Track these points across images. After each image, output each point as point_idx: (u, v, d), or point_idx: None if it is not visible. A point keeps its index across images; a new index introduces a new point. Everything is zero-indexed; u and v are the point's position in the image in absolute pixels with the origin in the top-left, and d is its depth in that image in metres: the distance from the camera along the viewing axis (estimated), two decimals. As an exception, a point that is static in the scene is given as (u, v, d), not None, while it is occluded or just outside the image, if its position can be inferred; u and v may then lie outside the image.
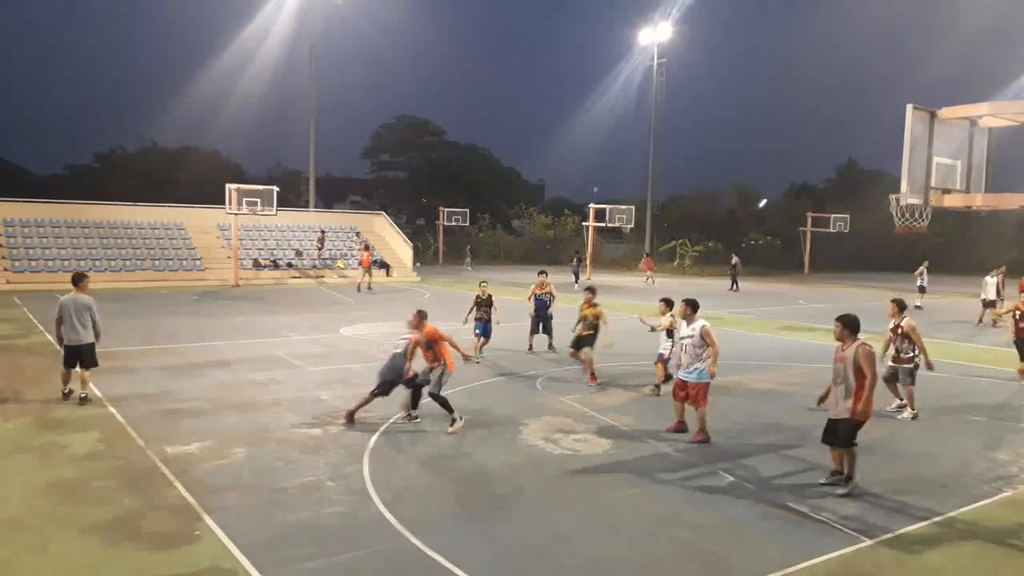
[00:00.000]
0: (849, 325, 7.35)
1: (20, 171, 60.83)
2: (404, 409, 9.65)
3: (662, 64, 51.78)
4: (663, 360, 11.34)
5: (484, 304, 14.42)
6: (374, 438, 8.74)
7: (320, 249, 36.04)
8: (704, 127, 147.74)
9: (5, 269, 28.51)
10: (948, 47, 70.18)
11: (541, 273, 15.66)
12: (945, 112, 7.57)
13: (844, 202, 52.88)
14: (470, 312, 14.57)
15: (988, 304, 21.32)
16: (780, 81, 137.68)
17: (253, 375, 12.29)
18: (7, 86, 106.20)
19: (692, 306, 8.99)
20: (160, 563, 5.50)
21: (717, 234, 57.68)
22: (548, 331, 15.14)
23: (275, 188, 31.74)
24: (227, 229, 33.61)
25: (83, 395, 10.16)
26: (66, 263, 29.70)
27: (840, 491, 7.12)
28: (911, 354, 10.19)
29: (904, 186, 7.35)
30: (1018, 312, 13.04)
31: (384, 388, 9.49)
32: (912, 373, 10.20)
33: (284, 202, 34.66)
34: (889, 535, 6.23)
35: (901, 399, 10.36)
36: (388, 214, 44.41)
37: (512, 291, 30.62)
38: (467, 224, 51.41)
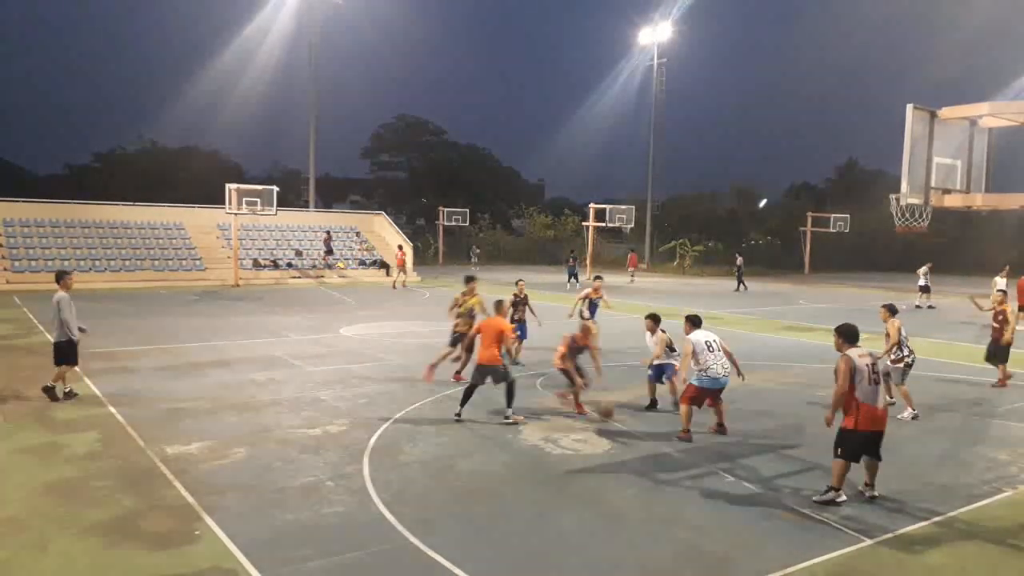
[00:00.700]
0: (843, 334, 7.10)
1: (20, 171, 60.87)
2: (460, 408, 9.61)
3: (662, 64, 51.83)
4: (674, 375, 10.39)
5: (521, 304, 14.11)
6: (374, 438, 8.74)
7: (328, 252, 35.76)
8: (704, 127, 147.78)
9: (5, 269, 28.50)
10: (948, 47, 70.24)
11: (597, 278, 15.42)
12: (945, 112, 7.56)
13: (844, 202, 52.95)
14: (515, 313, 14.02)
15: None
16: (780, 81, 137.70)
17: (253, 375, 12.29)
18: (7, 86, 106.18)
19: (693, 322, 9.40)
20: (160, 563, 5.50)
21: (717, 234, 57.72)
22: None
23: (275, 188, 31.74)
24: (227, 229, 33.60)
25: (65, 390, 10.40)
26: (66, 263, 29.65)
27: (815, 497, 6.96)
28: (901, 354, 10.23)
29: (904, 186, 7.35)
30: (1000, 315, 12.45)
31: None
32: (903, 373, 10.23)
33: (284, 202, 34.67)
34: (889, 535, 6.22)
35: (890, 398, 10.36)
36: (388, 214, 44.40)
37: (512, 291, 30.61)
38: (467, 224, 51.40)
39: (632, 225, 44.11)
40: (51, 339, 10.60)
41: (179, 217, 35.22)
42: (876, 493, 7.07)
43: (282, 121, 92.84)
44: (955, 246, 46.90)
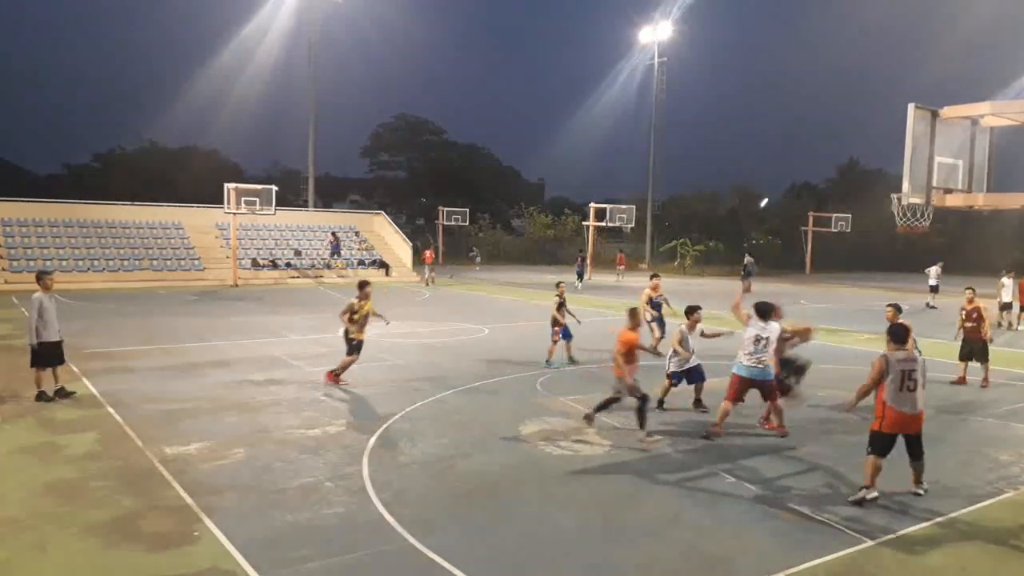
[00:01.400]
0: (891, 334, 7.25)
1: (19, 171, 60.82)
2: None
3: (662, 63, 51.82)
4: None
5: (563, 305, 13.96)
6: (373, 439, 8.72)
7: (335, 253, 35.56)
8: (705, 127, 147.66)
9: (4, 269, 28.49)
10: (948, 47, 70.25)
11: (654, 276, 15.27)
12: (947, 111, 7.54)
13: (845, 202, 52.95)
14: (562, 313, 13.78)
15: (1004, 307, 20.89)
16: (781, 81, 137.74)
17: (252, 375, 12.27)
18: (7, 86, 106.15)
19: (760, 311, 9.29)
20: (159, 563, 5.48)
21: (718, 234, 57.71)
22: (662, 333, 14.75)
23: (274, 187, 31.74)
24: (226, 229, 33.58)
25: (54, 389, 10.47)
26: (65, 263, 29.68)
27: (850, 497, 7.01)
28: None
29: (906, 186, 7.33)
30: (975, 312, 12.37)
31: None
32: None
33: (283, 202, 34.67)
34: (890, 536, 6.21)
35: None
36: (387, 214, 44.40)
37: (513, 291, 30.65)
38: (467, 224, 51.38)
39: (632, 225, 44.11)
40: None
41: (178, 217, 35.20)
42: (921, 491, 7.16)
43: (281, 121, 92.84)
44: (956, 246, 46.91)
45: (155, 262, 31.86)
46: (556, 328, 13.76)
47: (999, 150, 8.09)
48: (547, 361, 13.70)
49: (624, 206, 42.55)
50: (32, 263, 28.98)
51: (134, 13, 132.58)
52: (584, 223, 45.47)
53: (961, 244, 47.40)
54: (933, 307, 25.41)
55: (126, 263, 31.24)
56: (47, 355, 10.37)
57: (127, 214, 34.36)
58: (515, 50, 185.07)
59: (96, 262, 30.58)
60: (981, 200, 8.00)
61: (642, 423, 8.74)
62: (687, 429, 9.42)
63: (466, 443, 8.68)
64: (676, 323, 15.38)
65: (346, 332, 11.63)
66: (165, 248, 33.11)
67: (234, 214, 30.39)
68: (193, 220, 35.26)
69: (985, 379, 12.38)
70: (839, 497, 7.08)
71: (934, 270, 26.90)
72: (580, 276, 33.93)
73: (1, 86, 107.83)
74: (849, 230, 47.42)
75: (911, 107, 7.31)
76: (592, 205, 42.89)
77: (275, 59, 51.43)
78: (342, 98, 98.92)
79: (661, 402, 10.49)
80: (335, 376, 11.62)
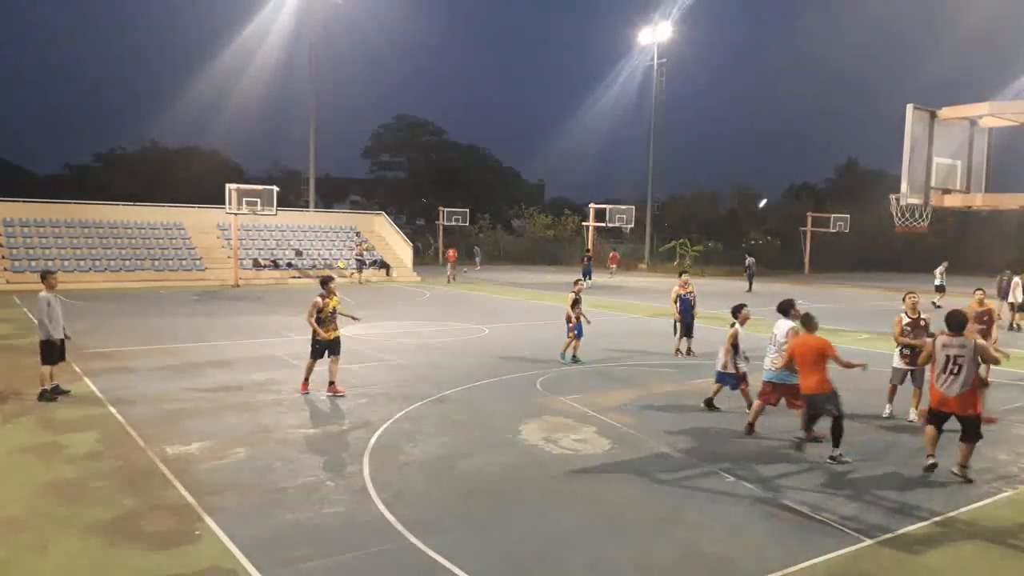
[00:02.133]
0: (946, 321, 7.68)
1: (20, 171, 60.83)
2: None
3: (662, 64, 51.75)
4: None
5: (577, 303, 14.02)
6: (374, 438, 8.74)
7: (364, 261, 34.68)
8: (704, 127, 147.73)
9: (5, 269, 28.51)
10: (948, 47, 70.22)
11: (683, 273, 15.28)
12: (945, 112, 7.57)
13: (844, 202, 52.91)
14: (576, 311, 13.88)
15: (1019, 308, 20.75)
16: (780, 81, 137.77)
17: (253, 375, 12.29)
18: (7, 86, 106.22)
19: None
20: (160, 563, 5.50)
21: (717, 234, 57.70)
22: (690, 334, 14.88)
23: (275, 188, 31.76)
24: (227, 229, 33.61)
25: (47, 388, 10.53)
26: (66, 263, 29.71)
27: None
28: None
29: (904, 186, 7.36)
30: (985, 315, 12.09)
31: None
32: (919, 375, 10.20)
33: (284, 202, 34.66)
34: (889, 535, 6.22)
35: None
36: (388, 214, 44.42)
37: (512, 291, 30.66)
38: (467, 224, 51.41)
39: (632, 225, 44.16)
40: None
41: (179, 217, 35.23)
42: (960, 473, 7.63)
43: (282, 121, 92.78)
44: (955, 246, 46.89)
45: (156, 262, 31.88)
46: (570, 324, 13.84)
47: (997, 151, 8.12)
48: (561, 355, 13.91)
49: (624, 206, 42.58)
50: (34, 263, 29.02)
51: (135, 14, 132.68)
52: (584, 223, 45.49)
53: (959, 244, 47.36)
54: (939, 307, 25.41)
55: (127, 263, 31.27)
56: (55, 352, 10.57)
57: (128, 214, 34.38)
58: (515, 51, 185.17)
59: (97, 262, 30.61)
60: (979, 200, 8.02)
61: (837, 440, 8.13)
62: (687, 429, 9.43)
63: (466, 443, 8.70)
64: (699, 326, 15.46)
65: (314, 333, 10.70)
66: (166, 248, 33.14)
67: (235, 214, 30.41)
68: (194, 220, 35.28)
69: (986, 378, 12.37)
70: (838, 497, 7.10)
71: (939, 270, 26.86)
72: (587, 275, 34.58)
73: (2, 86, 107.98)
74: (848, 230, 47.43)
75: (910, 108, 7.34)
76: (592, 205, 42.93)
77: (276, 60, 51.43)
78: (343, 99, 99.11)
79: (711, 402, 10.47)
80: (305, 384, 10.90)
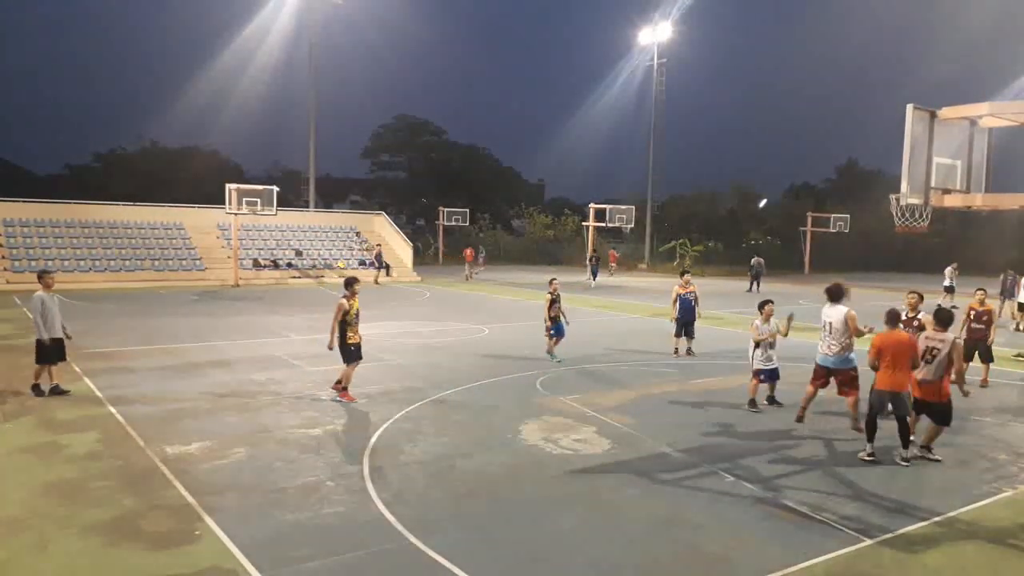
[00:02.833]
0: (933, 316, 8.51)
1: (20, 171, 60.85)
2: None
3: (662, 64, 51.76)
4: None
5: (556, 302, 14.05)
6: (374, 438, 8.74)
7: (380, 267, 34.59)
8: (704, 127, 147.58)
9: (5, 269, 28.52)
10: (948, 47, 70.24)
11: (684, 273, 15.32)
12: (945, 112, 7.56)
13: (844, 202, 52.95)
14: (553, 310, 13.99)
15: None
16: (780, 81, 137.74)
17: (253, 375, 12.29)
18: (7, 86, 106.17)
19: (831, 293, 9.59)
20: (160, 563, 5.50)
21: (717, 234, 57.69)
22: (690, 334, 14.86)
23: (275, 188, 31.75)
24: (227, 229, 33.61)
25: (45, 385, 10.69)
26: (66, 263, 29.72)
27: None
28: None
29: (904, 186, 7.35)
30: (985, 315, 12.47)
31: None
32: None
33: (284, 202, 34.66)
34: (889, 535, 6.23)
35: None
36: (388, 214, 44.41)
37: (512, 291, 30.66)
38: (467, 224, 51.42)
39: (632, 225, 44.14)
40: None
41: (179, 217, 35.23)
42: (923, 454, 8.26)
43: (282, 121, 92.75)
44: (955, 246, 46.90)
45: (156, 262, 31.88)
46: (547, 325, 14.01)
47: (997, 151, 8.11)
48: (548, 353, 14.01)
49: (624, 206, 42.55)
50: (33, 263, 29.01)
51: (135, 13, 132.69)
52: (584, 223, 45.48)
53: (959, 244, 47.38)
54: (954, 307, 25.35)
55: (127, 263, 31.26)
56: (52, 352, 10.66)
57: (128, 214, 34.38)
58: (515, 51, 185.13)
59: (97, 262, 30.61)
60: (979, 200, 8.02)
61: (905, 441, 8.11)
62: (687, 429, 9.43)
63: (466, 443, 8.70)
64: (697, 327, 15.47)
65: (344, 337, 10.51)
66: (166, 248, 33.14)
67: (235, 214, 30.40)
68: (194, 220, 35.28)
69: (984, 379, 12.40)
70: (838, 497, 7.10)
71: (948, 270, 26.80)
72: (594, 275, 35.13)
73: (2, 86, 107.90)
74: (848, 230, 47.42)
75: (909, 108, 7.33)
76: (592, 205, 42.89)
77: (276, 60, 51.45)
78: (342, 99, 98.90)
79: (752, 402, 10.49)
80: (344, 391, 10.65)
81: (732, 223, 59.95)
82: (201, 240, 34.28)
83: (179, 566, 5.47)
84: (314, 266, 35.08)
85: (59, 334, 10.80)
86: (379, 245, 36.31)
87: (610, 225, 42.30)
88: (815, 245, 49.48)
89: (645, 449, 8.54)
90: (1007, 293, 21.79)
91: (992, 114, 7.73)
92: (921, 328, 9.99)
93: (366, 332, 16.85)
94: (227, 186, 30.25)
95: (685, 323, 14.79)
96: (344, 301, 10.46)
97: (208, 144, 63.67)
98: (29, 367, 11.20)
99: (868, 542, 6.08)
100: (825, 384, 9.49)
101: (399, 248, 39.47)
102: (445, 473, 7.64)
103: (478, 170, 72.84)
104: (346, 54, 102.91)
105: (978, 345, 12.45)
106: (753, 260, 34.70)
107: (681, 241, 53.57)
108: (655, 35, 51.18)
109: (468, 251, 39.37)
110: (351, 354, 10.58)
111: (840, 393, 9.38)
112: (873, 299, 28.99)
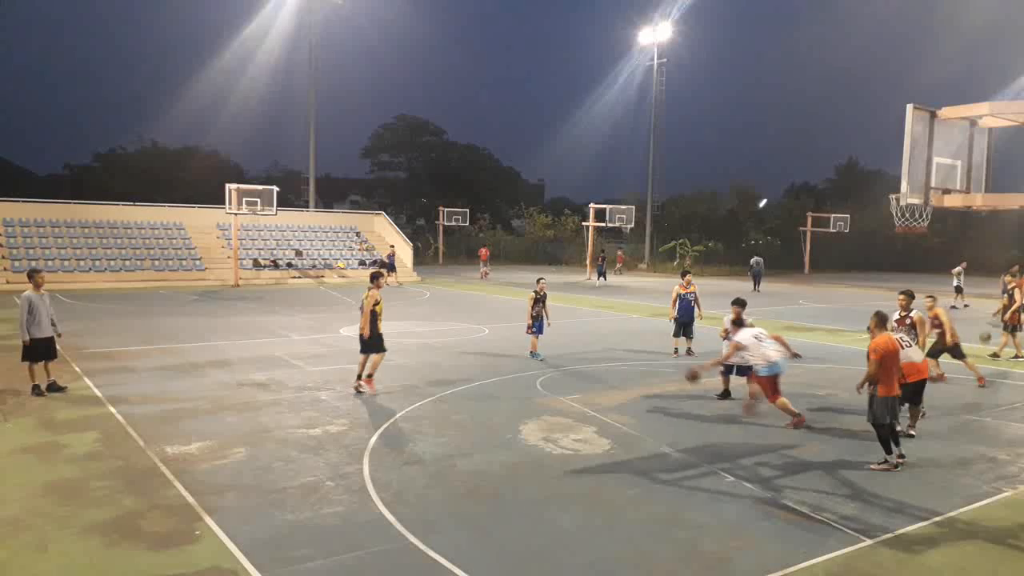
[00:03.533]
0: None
1: (20, 171, 60.87)
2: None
3: (662, 64, 51.75)
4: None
5: (541, 301, 14.20)
6: (374, 438, 8.74)
7: (391, 269, 34.45)
8: (704, 127, 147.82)
9: (5, 269, 28.52)
10: (948, 47, 70.26)
11: (685, 274, 15.35)
12: (945, 112, 7.56)
13: (844, 202, 52.94)
14: (533, 310, 14.18)
15: None
16: (780, 81, 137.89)
17: (253, 375, 12.29)
18: (7, 86, 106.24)
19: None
20: (160, 563, 5.50)
21: (717, 234, 57.69)
22: (689, 334, 14.90)
23: (275, 188, 31.75)
24: (227, 229, 33.62)
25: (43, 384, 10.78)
26: (66, 263, 29.73)
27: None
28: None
29: (904, 186, 7.35)
30: (936, 320, 12.04)
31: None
32: None
33: (284, 202, 34.68)
34: (889, 535, 6.23)
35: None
36: (388, 214, 44.42)
37: (512, 291, 30.65)
38: (467, 224, 51.44)
39: (632, 225, 44.14)
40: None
41: (179, 217, 35.24)
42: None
43: (282, 121, 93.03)
44: (955, 246, 46.91)
45: (156, 262, 31.89)
46: (528, 323, 14.17)
47: (997, 151, 8.11)
48: (531, 354, 14.16)
49: (623, 206, 42.55)
50: (34, 263, 28.96)
51: (136, 14, 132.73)
52: (584, 223, 45.50)
53: (959, 244, 47.40)
54: (966, 306, 25.34)
55: (127, 263, 31.27)
56: (38, 351, 10.71)
57: (128, 214, 34.39)
58: (515, 51, 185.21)
59: (97, 262, 30.61)
60: (979, 200, 8.02)
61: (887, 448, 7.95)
62: (687, 429, 9.43)
63: (466, 443, 8.70)
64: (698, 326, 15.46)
65: (374, 327, 10.90)
66: (166, 248, 33.14)
67: (235, 214, 30.41)
68: (194, 220, 35.29)
69: (980, 378, 12.39)
70: (838, 496, 7.10)
71: (956, 270, 26.77)
72: (603, 275, 35.54)
73: (3, 86, 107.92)
74: (848, 230, 47.42)
75: (909, 108, 7.33)
76: (592, 205, 42.90)
77: (276, 60, 51.47)
78: (342, 99, 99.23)
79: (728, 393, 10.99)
80: (370, 378, 11.00)
81: (732, 223, 59.94)
82: (201, 240, 34.29)
83: (179, 566, 5.47)
84: (314, 266, 35.09)
85: (49, 333, 10.84)
86: (393, 246, 36.45)
87: (610, 225, 42.30)
88: (815, 245, 49.48)
89: (645, 449, 8.54)
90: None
91: (992, 114, 7.73)
92: (913, 327, 10.14)
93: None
94: (227, 186, 30.25)
95: (684, 323, 14.79)
96: (376, 291, 10.97)
97: (208, 144, 63.87)
98: (27, 368, 11.22)
99: (868, 542, 6.08)
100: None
101: (399, 248, 39.47)
102: (445, 473, 7.64)
103: (478, 170, 72.87)
104: (346, 54, 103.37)
105: (943, 346, 12.20)
106: (752, 260, 34.72)
107: (681, 241, 53.57)
108: (655, 35, 51.15)
109: (484, 250, 40.54)
110: (382, 344, 11.09)
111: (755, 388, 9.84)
112: (873, 299, 28.98)
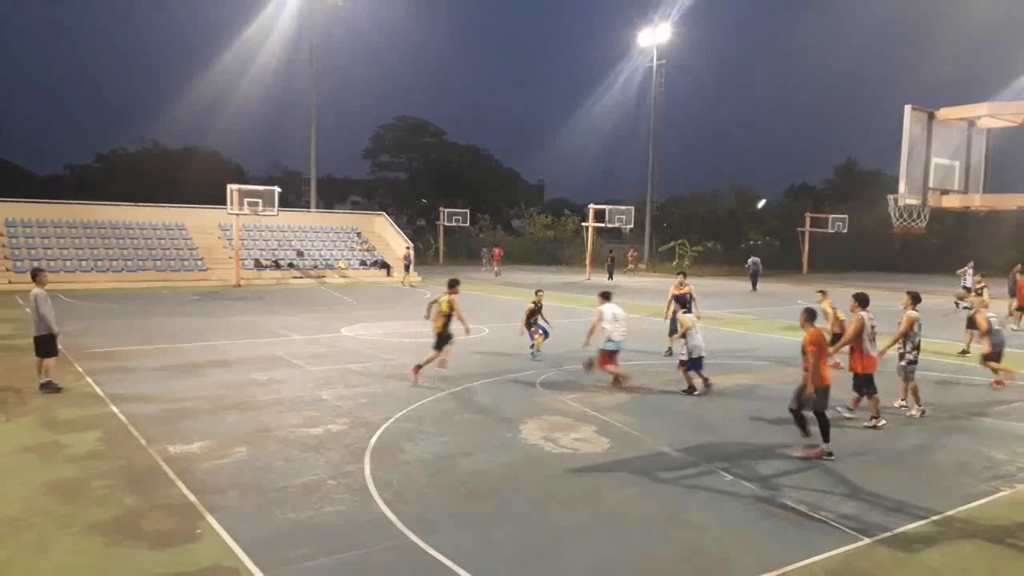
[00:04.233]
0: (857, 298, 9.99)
1: (21, 171, 60.92)
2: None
3: (662, 65, 51.80)
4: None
5: (538, 311, 14.59)
6: (375, 437, 8.77)
7: (410, 263, 35.60)
8: (704, 128, 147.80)
9: (7, 269, 28.55)
10: (948, 47, 70.28)
11: (680, 274, 15.50)
12: (943, 113, 7.58)
13: (843, 202, 52.95)
14: (528, 319, 14.52)
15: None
16: (780, 81, 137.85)
17: (254, 375, 12.32)
18: (8, 86, 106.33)
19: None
20: (161, 562, 5.53)
21: (717, 234, 57.70)
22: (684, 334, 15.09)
23: (276, 188, 31.81)
24: (228, 229, 33.64)
25: (42, 382, 10.87)
26: (68, 263, 29.77)
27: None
28: (902, 350, 10.30)
29: (902, 186, 7.36)
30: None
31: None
32: (904, 370, 10.30)
33: (285, 203, 34.70)
34: (887, 534, 6.25)
35: (902, 400, 10.51)
36: (388, 214, 44.47)
37: (511, 291, 30.67)
38: (467, 224, 51.47)
39: (632, 225, 44.17)
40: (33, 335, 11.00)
41: (181, 217, 35.27)
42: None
43: (283, 122, 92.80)
44: (953, 247, 46.92)
45: (158, 263, 31.92)
46: (531, 329, 14.41)
47: (995, 151, 8.13)
48: (533, 352, 14.32)
49: (623, 207, 42.56)
50: (35, 263, 29.00)
51: (137, 15, 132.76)
52: (583, 224, 45.52)
53: (957, 245, 47.41)
54: (972, 306, 25.28)
55: (129, 263, 31.30)
56: (46, 346, 10.89)
57: (130, 215, 34.43)
58: (515, 52, 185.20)
59: (99, 263, 30.64)
60: (978, 201, 8.03)
61: (805, 430, 8.40)
62: (686, 428, 9.46)
63: (467, 442, 8.73)
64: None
65: (446, 326, 12.22)
66: (168, 249, 33.18)
67: (237, 215, 30.44)
68: (196, 221, 35.33)
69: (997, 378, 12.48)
70: (837, 495, 7.13)
71: (962, 271, 26.71)
72: (611, 275, 36.68)
73: (3, 86, 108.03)
74: (846, 231, 47.43)
75: (908, 108, 7.35)
76: (591, 206, 42.91)
77: (277, 61, 51.49)
78: (343, 100, 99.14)
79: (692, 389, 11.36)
80: (419, 368, 12.13)
81: (731, 223, 59.97)
82: (203, 240, 34.32)
83: (180, 565, 5.49)
84: (315, 266, 35.12)
85: (55, 330, 11.02)
86: (409, 248, 36.61)
87: (610, 225, 42.32)
88: (814, 245, 49.48)
89: (645, 448, 8.57)
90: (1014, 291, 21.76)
91: (990, 115, 7.74)
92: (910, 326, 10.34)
93: (367, 332, 16.89)
94: (228, 187, 30.30)
95: (677, 323, 14.83)
96: (455, 296, 12.45)
97: (209, 145, 63.89)
98: (30, 367, 11.25)
99: (866, 541, 6.11)
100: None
101: (399, 248, 39.48)
102: (446, 472, 7.67)
103: (478, 171, 72.96)
104: (347, 55, 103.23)
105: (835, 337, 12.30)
106: (750, 260, 34.76)
107: (680, 242, 53.59)
108: (655, 36, 51.20)
109: (498, 250, 43.32)
110: (449, 340, 12.31)
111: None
112: (872, 299, 28.96)
